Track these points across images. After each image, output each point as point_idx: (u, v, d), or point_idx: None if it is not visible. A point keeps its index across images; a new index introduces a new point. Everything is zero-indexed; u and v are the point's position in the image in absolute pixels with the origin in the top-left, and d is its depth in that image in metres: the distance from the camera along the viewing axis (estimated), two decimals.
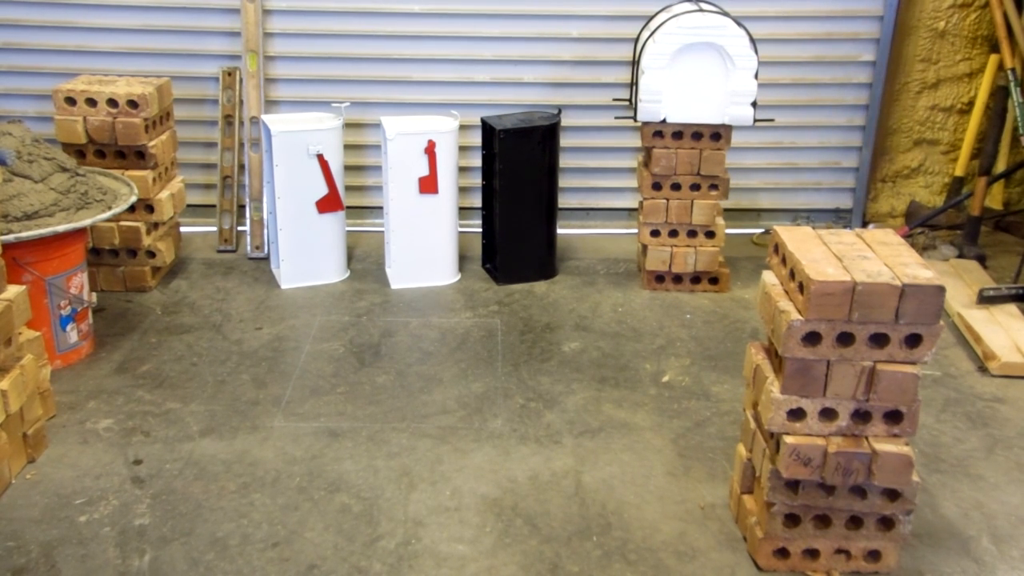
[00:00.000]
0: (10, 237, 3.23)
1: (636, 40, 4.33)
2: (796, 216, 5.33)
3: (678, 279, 4.43)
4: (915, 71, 5.06)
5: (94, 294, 3.79)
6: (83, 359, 3.68)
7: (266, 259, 4.69)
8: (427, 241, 4.36)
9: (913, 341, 2.33)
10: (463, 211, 4.84)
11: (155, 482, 2.94)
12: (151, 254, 4.27)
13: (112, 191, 3.78)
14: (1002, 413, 3.46)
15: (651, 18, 4.31)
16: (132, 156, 4.12)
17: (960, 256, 4.75)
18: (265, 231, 4.73)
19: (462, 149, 4.72)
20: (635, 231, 4.77)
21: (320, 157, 4.23)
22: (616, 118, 4.86)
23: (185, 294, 4.27)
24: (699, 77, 4.08)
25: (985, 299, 4.15)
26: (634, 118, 4.20)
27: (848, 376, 2.37)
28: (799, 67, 5.01)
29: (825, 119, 5.13)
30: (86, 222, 3.47)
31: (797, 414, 2.43)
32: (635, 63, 4.23)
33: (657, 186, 4.26)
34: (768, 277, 2.60)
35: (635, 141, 5.04)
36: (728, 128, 4.17)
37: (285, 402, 3.41)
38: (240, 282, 4.42)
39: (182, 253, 4.68)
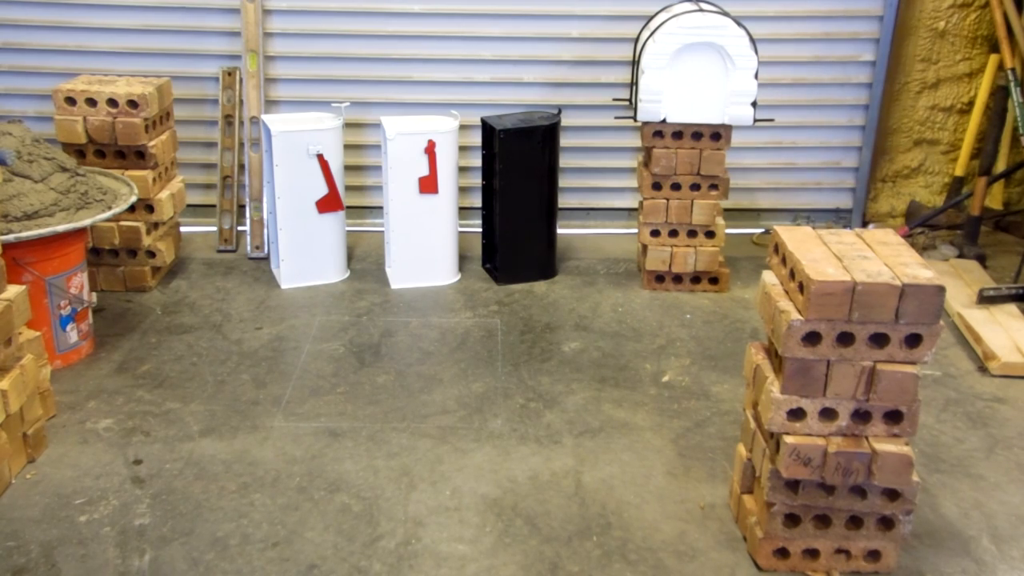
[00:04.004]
0: (10, 237, 3.23)
1: (636, 40, 4.33)
2: (796, 216, 5.33)
3: (678, 279, 4.43)
4: (915, 71, 5.06)
5: (94, 294, 3.79)
6: (83, 359, 3.68)
7: (266, 259, 4.69)
8: (427, 241, 4.36)
9: (913, 341, 2.33)
10: (463, 211, 4.84)
11: (155, 482, 2.94)
12: (151, 254, 4.27)
13: (112, 191, 3.78)
14: (1002, 413, 3.46)
15: (651, 18, 4.31)
16: (132, 156, 4.12)
17: (960, 256, 4.75)
18: (265, 231, 4.73)
19: (462, 149, 4.72)
20: (635, 231, 4.77)
21: (320, 157, 4.23)
22: (616, 118, 4.86)
23: (185, 294, 4.27)
24: (699, 77, 4.08)
25: (985, 299, 4.15)
26: (634, 118, 4.20)
27: (848, 376, 2.37)
28: (799, 67, 5.01)
29: (825, 119, 5.13)
30: (86, 222, 3.47)
31: (797, 414, 2.43)
32: (635, 63, 4.23)
33: (657, 186, 4.26)
34: (768, 277, 2.60)
35: (635, 141, 5.04)
36: (728, 128, 4.17)
37: (285, 402, 3.41)
38: (240, 282, 4.42)
39: (182, 253, 4.68)
